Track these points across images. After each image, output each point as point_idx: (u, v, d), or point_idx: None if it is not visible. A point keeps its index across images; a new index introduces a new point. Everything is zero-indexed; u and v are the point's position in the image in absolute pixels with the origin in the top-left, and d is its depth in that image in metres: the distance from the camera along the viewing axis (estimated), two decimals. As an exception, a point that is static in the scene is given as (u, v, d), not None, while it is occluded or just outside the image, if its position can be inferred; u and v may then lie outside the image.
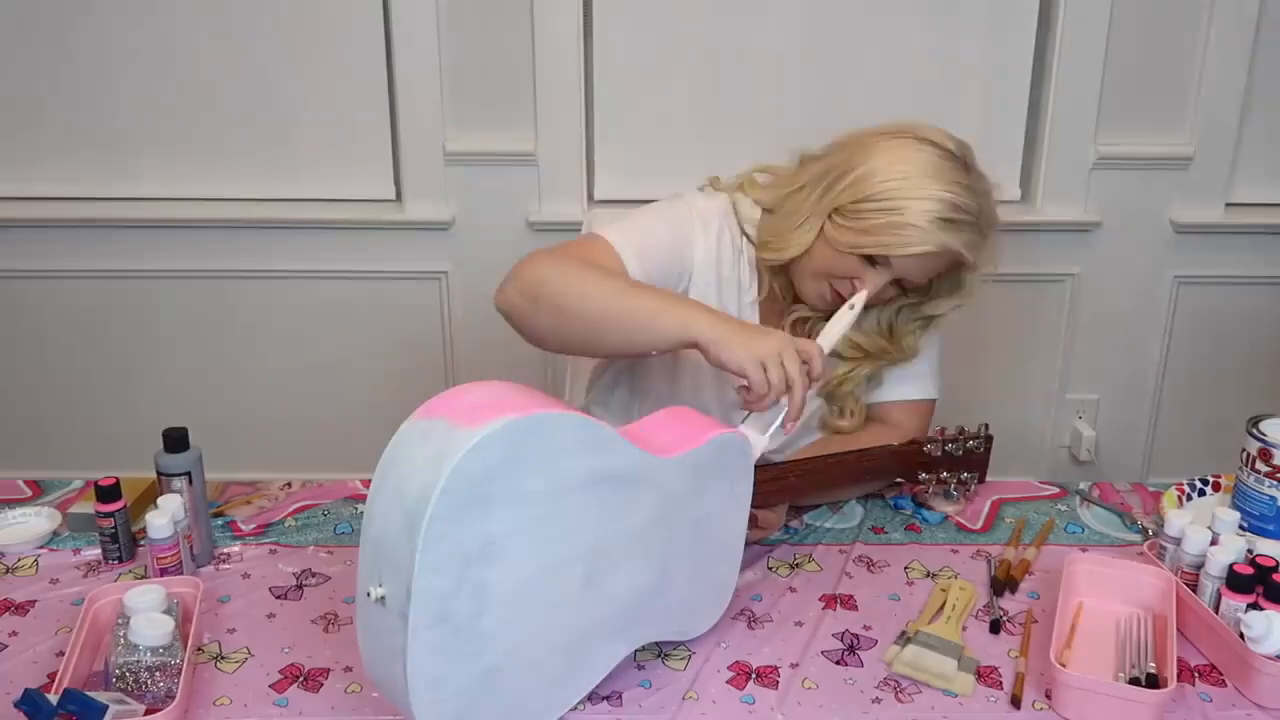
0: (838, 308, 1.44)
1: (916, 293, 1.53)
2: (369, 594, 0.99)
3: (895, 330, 1.57)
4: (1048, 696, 1.16)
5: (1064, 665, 1.16)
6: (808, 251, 1.46)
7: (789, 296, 1.54)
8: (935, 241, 1.39)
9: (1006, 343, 2.62)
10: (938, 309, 1.57)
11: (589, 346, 1.42)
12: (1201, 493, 1.51)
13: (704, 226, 1.50)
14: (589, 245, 1.41)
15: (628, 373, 1.62)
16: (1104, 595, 1.30)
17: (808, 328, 1.52)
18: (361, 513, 1.50)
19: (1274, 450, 1.36)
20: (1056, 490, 1.60)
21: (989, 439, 1.54)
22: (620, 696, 1.18)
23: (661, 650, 1.25)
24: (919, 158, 1.41)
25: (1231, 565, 1.23)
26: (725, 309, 1.49)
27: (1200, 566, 1.27)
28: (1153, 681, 1.15)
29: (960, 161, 1.44)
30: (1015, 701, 1.16)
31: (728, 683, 1.20)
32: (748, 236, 1.53)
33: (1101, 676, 1.18)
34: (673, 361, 1.54)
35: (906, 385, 1.64)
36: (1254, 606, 1.20)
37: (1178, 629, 1.23)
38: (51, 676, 1.16)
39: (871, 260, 1.42)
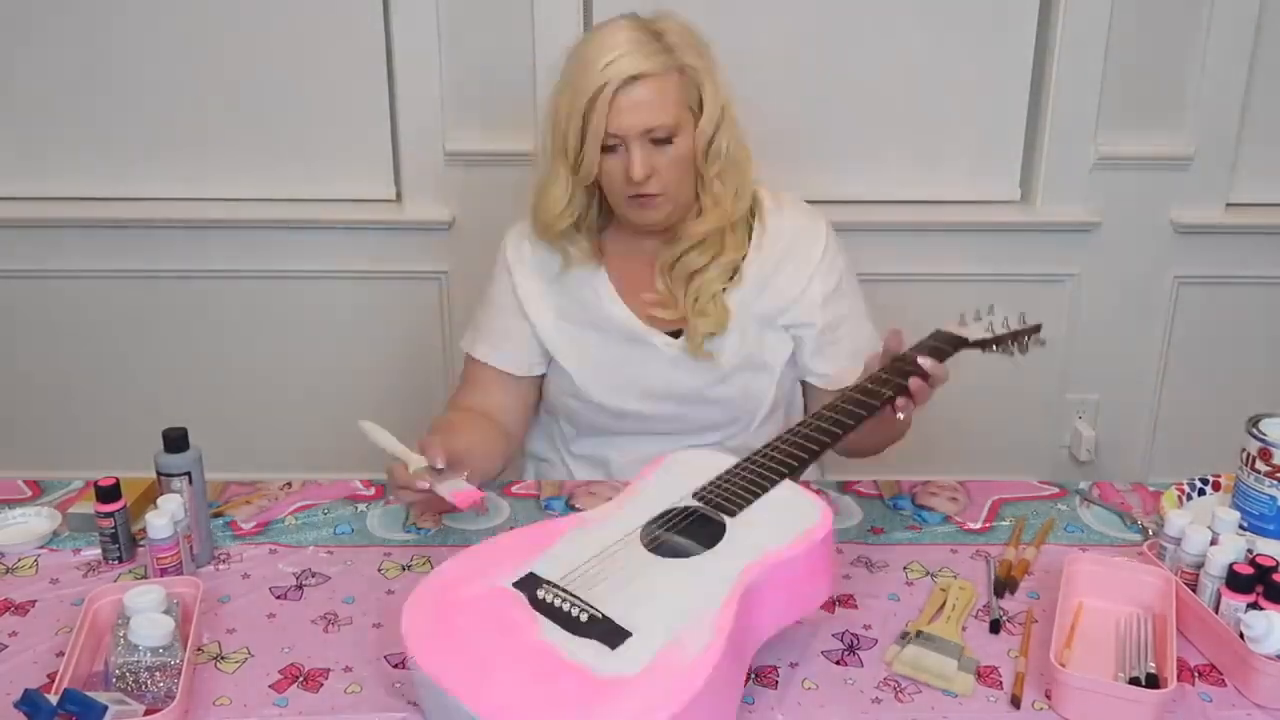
0: (643, 204, 1.51)
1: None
2: None
3: (708, 195, 1.55)
4: (1048, 696, 1.16)
5: (1063, 665, 1.16)
6: (604, 196, 1.55)
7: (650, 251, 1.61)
8: (620, 73, 1.43)
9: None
10: (704, 137, 1.51)
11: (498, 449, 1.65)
12: (1201, 492, 1.51)
13: (509, 264, 1.67)
14: (468, 370, 1.70)
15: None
16: (1104, 595, 1.30)
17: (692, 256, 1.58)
18: (362, 513, 1.52)
19: (1274, 450, 1.36)
20: (1056, 490, 1.60)
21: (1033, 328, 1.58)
22: (620, 696, 1.17)
23: (661, 650, 1.25)
24: (578, 51, 1.49)
25: (1231, 565, 1.23)
26: (578, 305, 1.63)
27: (1200, 566, 1.27)
28: (1153, 681, 1.15)
29: (616, 20, 1.50)
30: (1015, 701, 1.16)
31: (728, 683, 1.20)
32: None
33: (1101, 676, 1.18)
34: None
35: (831, 357, 1.67)
36: (1254, 606, 1.20)
37: (1178, 629, 1.23)
38: (51, 677, 1.16)
39: (611, 149, 1.48)
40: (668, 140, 1.48)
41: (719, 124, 1.52)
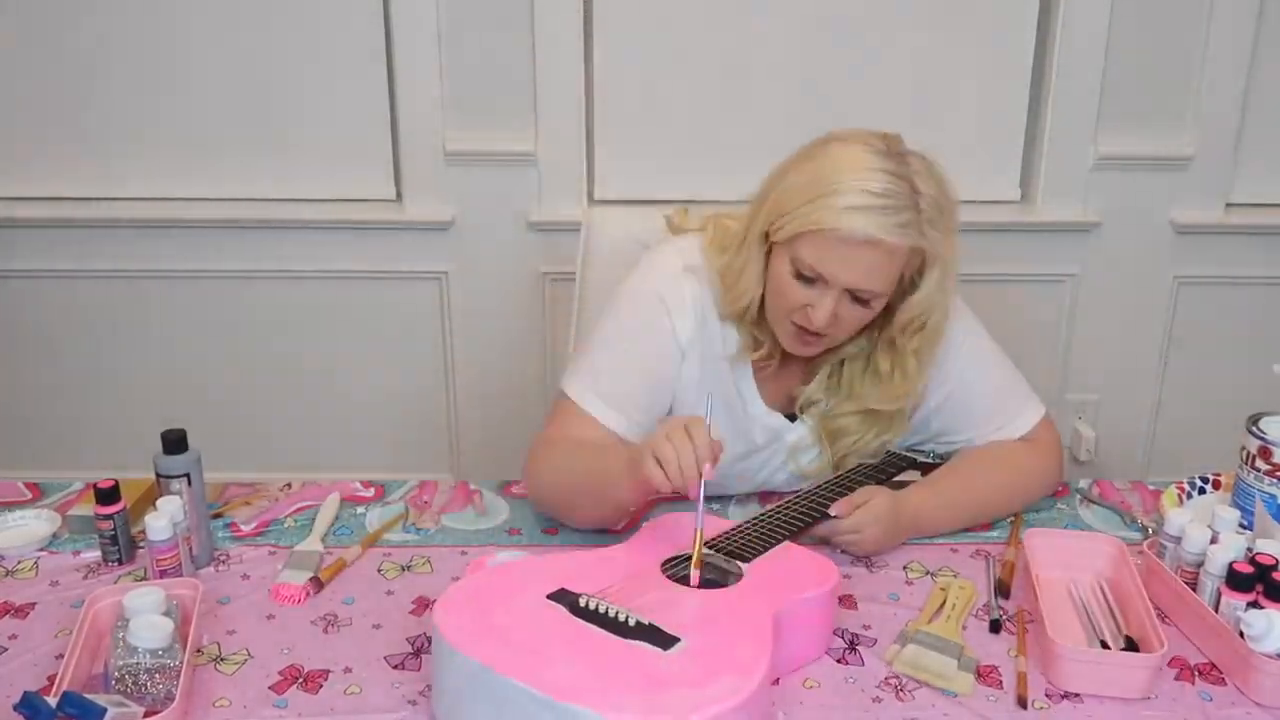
0: (803, 339, 1.41)
1: (884, 313, 1.43)
2: None
3: (889, 367, 1.47)
4: (1044, 675, 1.17)
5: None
6: (766, 296, 1.42)
7: (796, 359, 1.50)
8: (857, 229, 1.29)
9: (1006, 343, 2.60)
10: (906, 315, 1.42)
11: (596, 521, 1.45)
12: (1201, 491, 1.51)
13: (675, 306, 1.46)
14: (579, 421, 1.44)
15: None
16: (1056, 566, 1.34)
17: (842, 371, 1.51)
18: (361, 513, 1.52)
19: (1273, 448, 1.36)
20: (1058, 488, 1.60)
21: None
22: (620, 697, 1.17)
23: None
24: (838, 156, 1.35)
25: (1231, 564, 1.23)
26: (717, 369, 1.48)
27: (1200, 565, 1.27)
28: (1131, 646, 1.20)
29: (884, 150, 1.34)
30: (1021, 702, 1.16)
31: (728, 683, 1.20)
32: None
33: (1079, 645, 1.21)
34: None
35: (978, 425, 1.56)
36: (1254, 605, 1.20)
37: (1153, 601, 1.26)
38: (51, 679, 1.16)
39: (808, 279, 1.35)
40: (865, 302, 1.37)
41: (932, 305, 1.41)
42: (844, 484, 1.48)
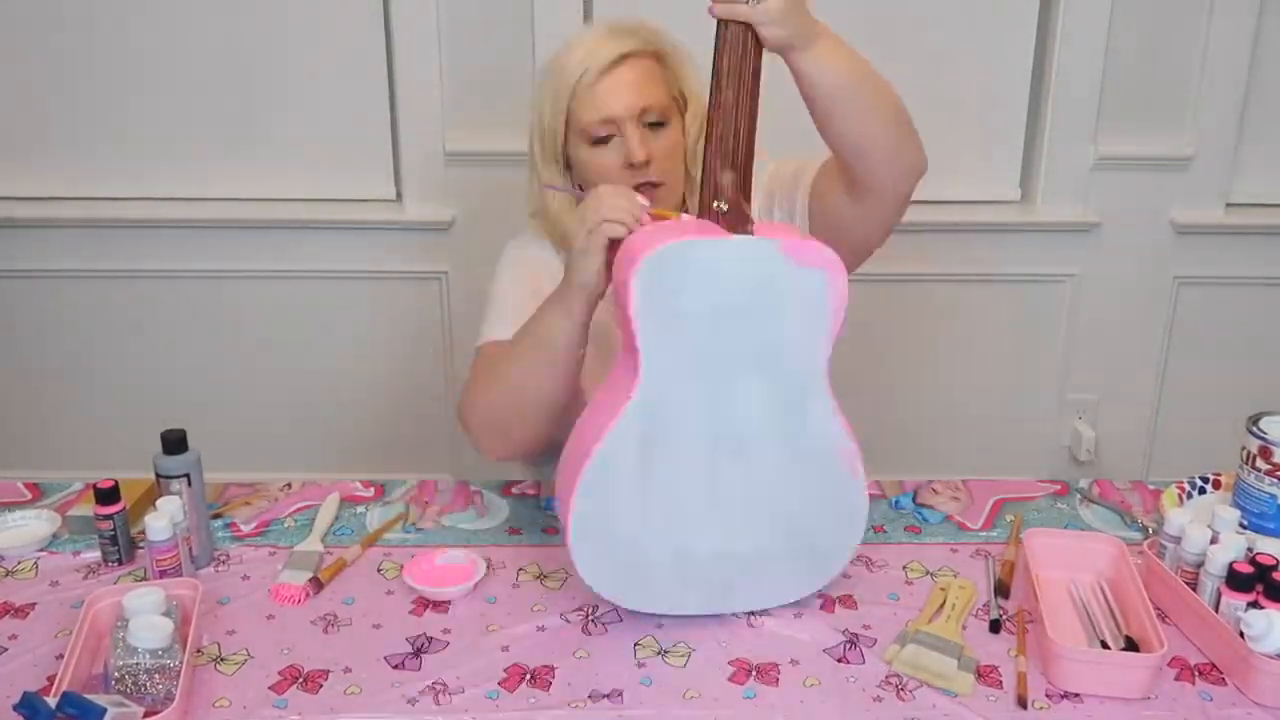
0: (643, 195, 1.40)
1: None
2: None
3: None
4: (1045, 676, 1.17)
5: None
6: (580, 185, 1.49)
7: None
8: (598, 61, 1.39)
9: (1006, 343, 2.62)
10: (693, 126, 1.47)
11: (551, 398, 1.36)
12: (1202, 491, 1.51)
13: (523, 257, 1.59)
14: (486, 357, 1.46)
15: None
16: (1056, 566, 1.34)
17: None
18: (361, 513, 1.52)
19: (1274, 448, 1.36)
20: (1057, 488, 1.60)
21: None
22: (621, 694, 1.18)
23: (662, 648, 1.25)
24: (561, 54, 1.45)
25: (1231, 564, 1.23)
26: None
27: (1200, 565, 1.27)
28: (1131, 646, 1.20)
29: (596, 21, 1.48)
30: (1021, 702, 1.16)
31: (728, 680, 1.20)
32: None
33: (1079, 645, 1.22)
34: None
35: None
36: (1254, 605, 1.20)
37: (1153, 601, 1.26)
38: (51, 679, 1.16)
39: (605, 138, 1.42)
40: (661, 123, 1.43)
41: (696, 128, 1.46)
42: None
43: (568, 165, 1.49)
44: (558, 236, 1.54)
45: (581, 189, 1.42)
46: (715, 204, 1.21)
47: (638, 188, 1.40)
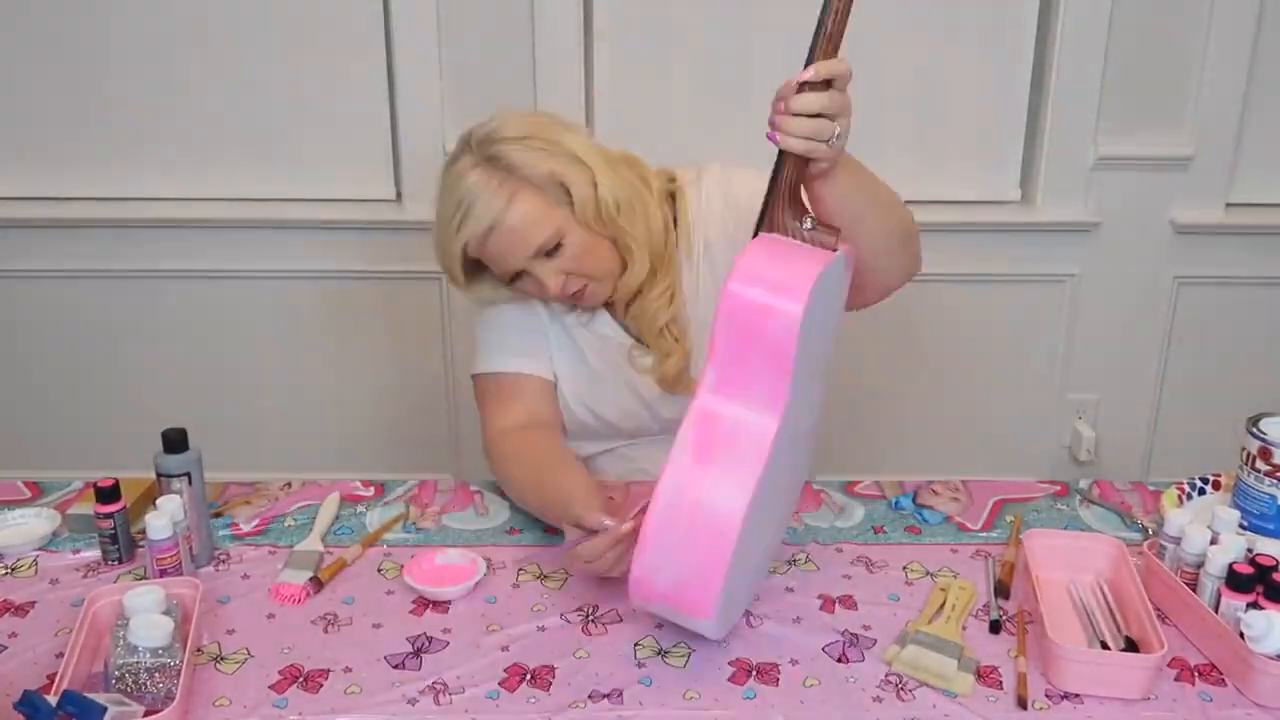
0: (579, 300, 1.49)
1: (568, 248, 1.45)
2: None
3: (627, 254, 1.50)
4: (1045, 677, 1.17)
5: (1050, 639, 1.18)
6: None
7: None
8: (475, 231, 1.40)
9: (1006, 343, 2.62)
10: (588, 226, 1.44)
11: None
12: (1201, 491, 1.51)
13: (505, 318, 1.59)
14: (497, 391, 1.56)
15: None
16: (1056, 567, 1.34)
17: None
18: (360, 512, 1.52)
19: (1274, 449, 1.36)
20: (1057, 488, 1.60)
21: None
22: (621, 694, 1.18)
23: (661, 648, 1.25)
24: (441, 196, 1.45)
25: (1231, 564, 1.23)
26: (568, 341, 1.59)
27: (1200, 566, 1.27)
28: (1131, 646, 1.20)
29: (462, 147, 1.43)
30: (1021, 702, 1.16)
31: (728, 680, 1.20)
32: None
33: (1084, 647, 1.22)
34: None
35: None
36: (1254, 606, 1.20)
37: (1153, 602, 1.26)
38: (51, 678, 1.16)
39: (514, 278, 1.46)
40: (559, 245, 1.42)
41: (594, 188, 1.42)
42: None
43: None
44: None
45: None
46: (804, 219, 1.19)
47: (572, 295, 1.47)
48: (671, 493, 1.12)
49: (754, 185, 1.44)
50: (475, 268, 1.50)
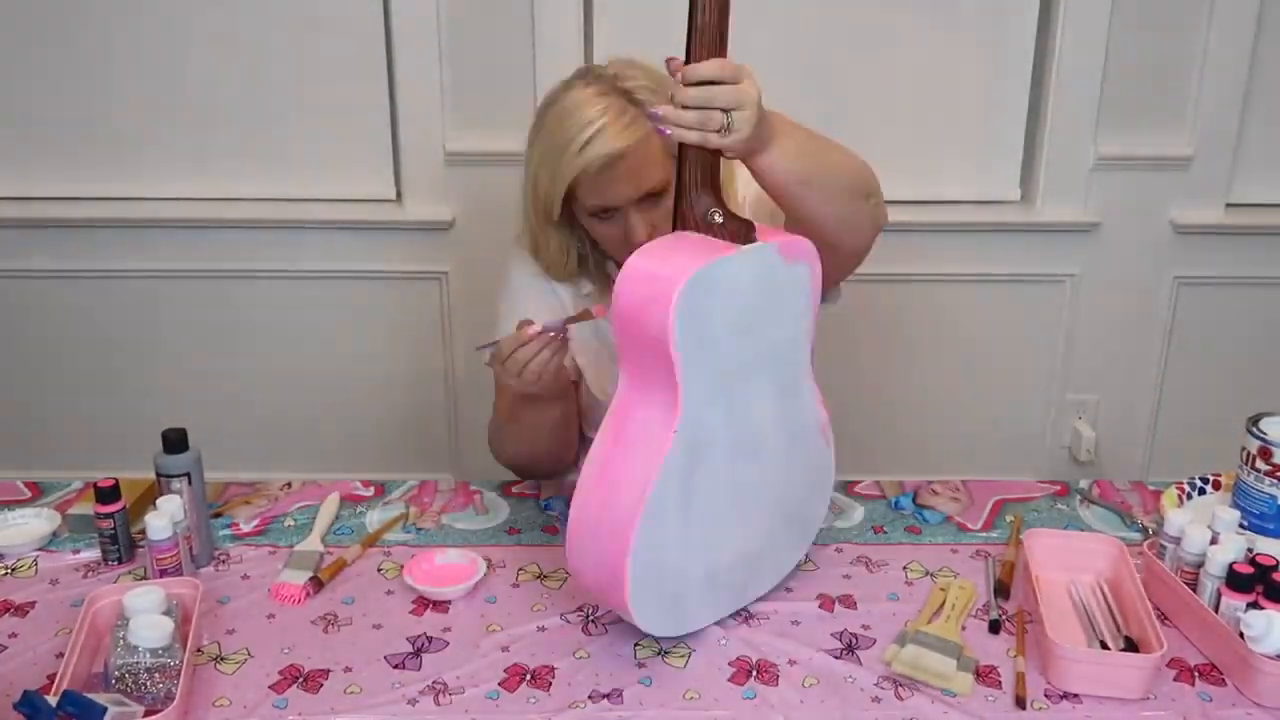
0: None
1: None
2: None
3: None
4: (1044, 676, 1.17)
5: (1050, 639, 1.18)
6: (591, 248, 1.52)
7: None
8: (598, 155, 1.35)
9: (1006, 343, 2.62)
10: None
11: (559, 441, 1.55)
12: (1202, 491, 1.51)
13: (527, 280, 1.58)
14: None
15: None
16: (1056, 567, 1.34)
17: None
18: (360, 512, 1.52)
19: (1274, 449, 1.36)
20: (1057, 488, 1.60)
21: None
22: (621, 694, 1.18)
23: (662, 648, 1.25)
24: (552, 117, 1.41)
25: (1231, 564, 1.23)
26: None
27: (1200, 565, 1.27)
28: (1131, 646, 1.20)
29: (581, 76, 1.42)
30: (1020, 702, 1.16)
31: (728, 680, 1.20)
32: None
33: (1083, 646, 1.22)
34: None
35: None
36: (1254, 605, 1.20)
37: (1152, 601, 1.26)
38: (51, 678, 1.16)
39: (609, 213, 1.41)
40: (662, 192, 1.40)
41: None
42: None
43: (568, 220, 1.48)
44: (547, 268, 1.56)
45: (565, 325, 1.37)
46: (710, 213, 1.19)
47: None
48: (585, 484, 1.20)
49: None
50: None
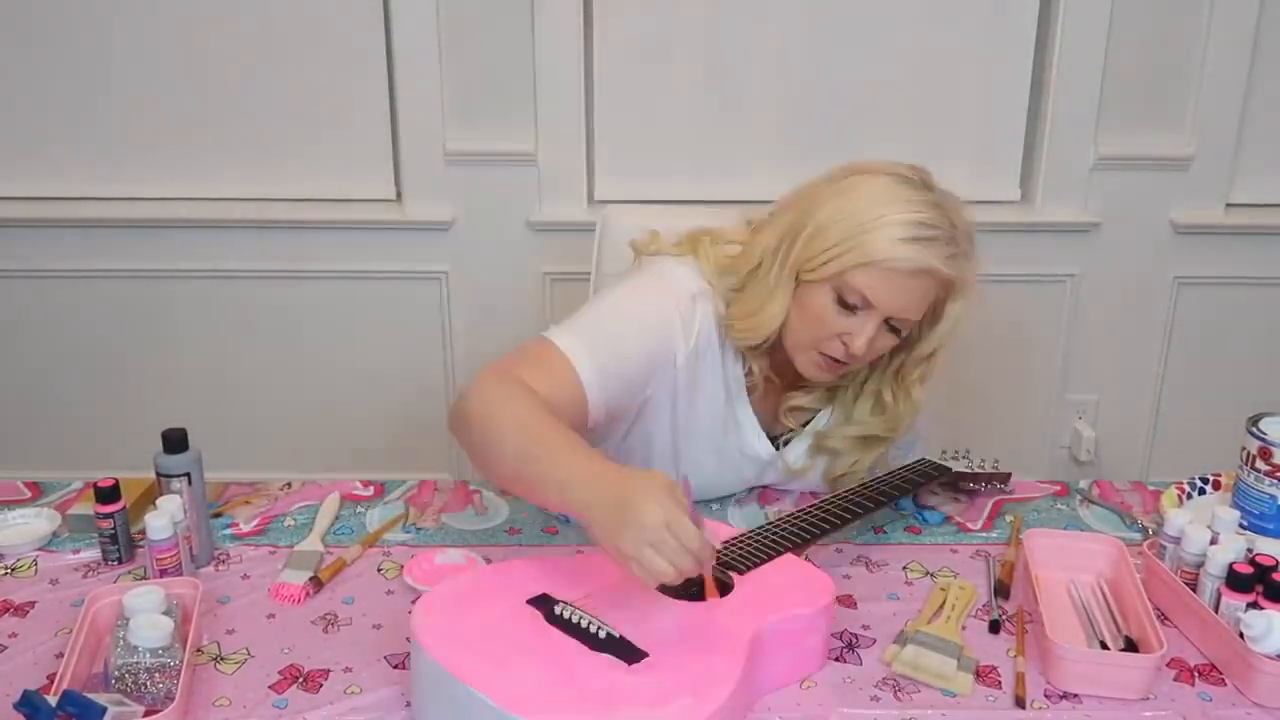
0: (827, 367, 1.42)
1: (905, 344, 1.46)
2: None
3: (891, 397, 1.51)
4: (1044, 677, 1.17)
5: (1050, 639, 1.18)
6: (789, 325, 1.41)
7: (784, 377, 1.51)
8: (913, 258, 1.32)
9: (1006, 343, 2.62)
10: (927, 347, 1.47)
11: (505, 483, 1.33)
12: (1201, 491, 1.51)
13: (685, 325, 1.41)
14: (548, 363, 1.32)
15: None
16: (1056, 567, 1.34)
17: (806, 415, 1.55)
18: (360, 512, 1.52)
19: (1274, 449, 1.36)
20: (1057, 488, 1.60)
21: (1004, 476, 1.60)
22: (620, 696, 1.17)
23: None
24: (872, 188, 1.36)
25: (1231, 564, 1.23)
26: (710, 400, 1.47)
27: (1200, 565, 1.27)
28: (1131, 646, 1.20)
29: (918, 181, 1.38)
30: (1020, 702, 1.16)
31: (727, 683, 1.20)
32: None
33: (1083, 646, 1.22)
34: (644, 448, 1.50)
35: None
36: (1254, 606, 1.20)
37: (1152, 601, 1.26)
38: (51, 678, 1.16)
39: (851, 307, 1.36)
40: (898, 331, 1.40)
41: (949, 336, 1.45)
42: (871, 492, 1.46)
43: (794, 278, 1.40)
44: (737, 321, 1.43)
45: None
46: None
47: (830, 358, 1.40)
48: None
49: None
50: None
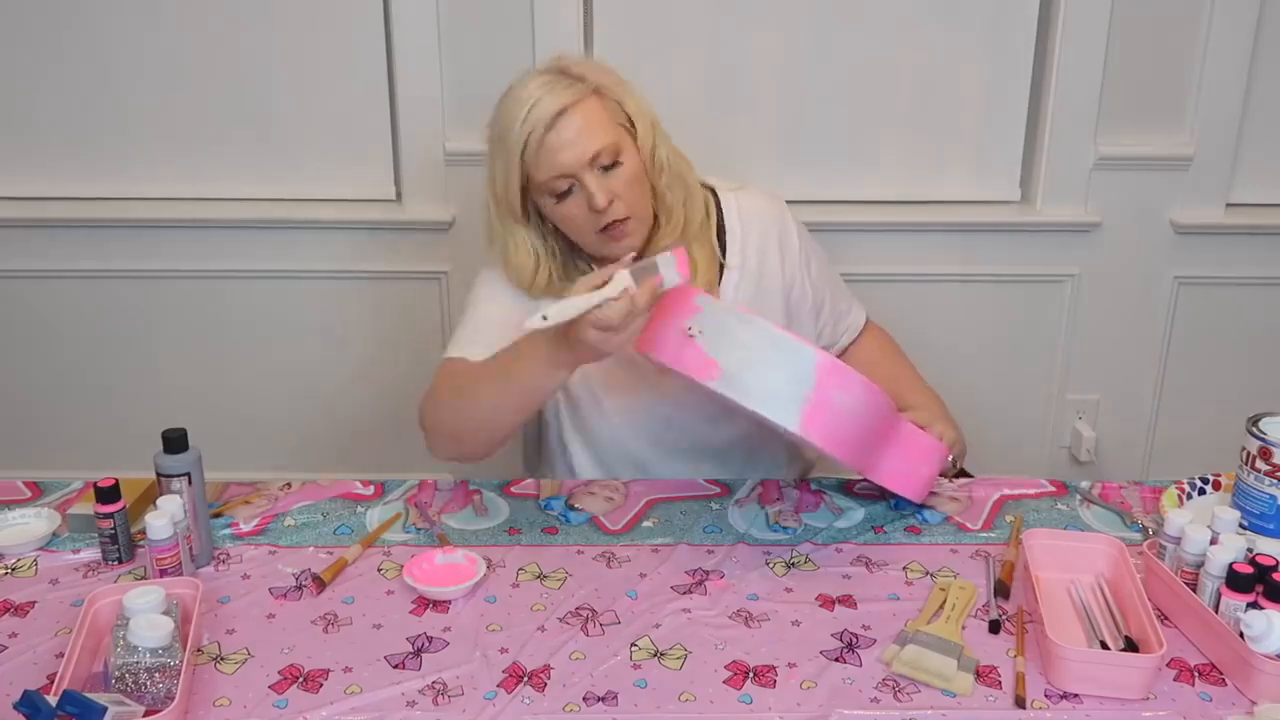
0: (614, 233, 1.49)
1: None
2: None
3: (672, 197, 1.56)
4: (1044, 677, 1.17)
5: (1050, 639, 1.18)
6: (565, 239, 1.54)
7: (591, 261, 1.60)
8: (540, 117, 1.42)
9: (1007, 343, 2.62)
10: (646, 143, 1.52)
11: (513, 426, 1.47)
12: (1202, 491, 1.51)
13: (506, 295, 1.58)
14: (452, 373, 1.50)
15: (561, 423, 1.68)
16: (1056, 567, 1.34)
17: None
18: (360, 512, 1.52)
19: (1274, 449, 1.36)
20: (1057, 488, 1.60)
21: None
22: (616, 697, 1.18)
23: (658, 650, 1.25)
24: (503, 106, 1.48)
25: (1231, 564, 1.23)
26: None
27: (1200, 565, 1.27)
28: (1131, 646, 1.21)
29: (530, 70, 1.49)
30: (1020, 702, 1.16)
31: (725, 683, 1.20)
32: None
33: (1084, 646, 1.22)
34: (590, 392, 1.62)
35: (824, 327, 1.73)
36: (1254, 605, 1.20)
37: (1152, 601, 1.26)
38: (51, 678, 1.16)
39: (566, 191, 1.46)
40: (615, 163, 1.47)
41: (654, 135, 1.53)
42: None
43: (532, 216, 1.53)
44: (516, 276, 1.57)
45: None
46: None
47: (607, 227, 1.48)
48: None
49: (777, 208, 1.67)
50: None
